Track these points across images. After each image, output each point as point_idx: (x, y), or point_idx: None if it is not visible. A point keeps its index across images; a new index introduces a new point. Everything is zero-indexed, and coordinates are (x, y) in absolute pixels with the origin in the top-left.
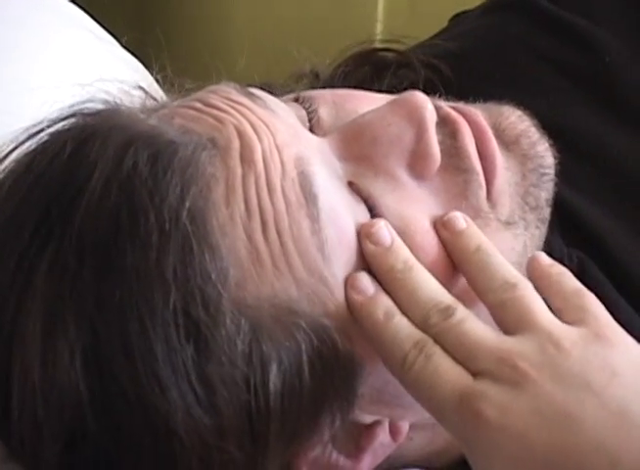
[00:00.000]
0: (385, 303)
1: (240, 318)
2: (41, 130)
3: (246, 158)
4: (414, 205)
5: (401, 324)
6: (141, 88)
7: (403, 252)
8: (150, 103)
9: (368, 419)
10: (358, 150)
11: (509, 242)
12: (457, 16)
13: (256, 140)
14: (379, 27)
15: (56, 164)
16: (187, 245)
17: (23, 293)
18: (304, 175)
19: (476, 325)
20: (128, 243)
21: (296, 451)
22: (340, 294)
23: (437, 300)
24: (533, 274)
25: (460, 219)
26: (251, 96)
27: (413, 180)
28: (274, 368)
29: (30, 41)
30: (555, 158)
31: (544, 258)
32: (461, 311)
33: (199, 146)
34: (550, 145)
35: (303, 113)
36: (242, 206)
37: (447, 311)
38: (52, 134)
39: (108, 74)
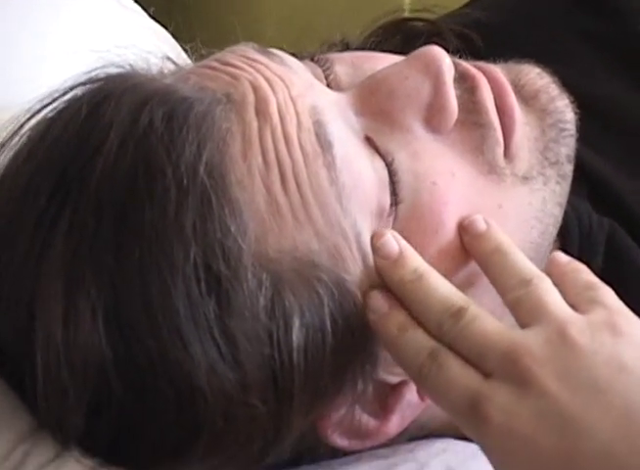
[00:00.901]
0: (397, 317)
1: (261, 272)
2: (56, 98)
3: (261, 111)
4: (430, 159)
5: (414, 336)
6: (169, 59)
7: (411, 261)
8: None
9: (394, 379)
10: (375, 104)
11: (525, 197)
12: None
13: (271, 93)
14: None
15: (71, 128)
16: (205, 200)
17: (43, 255)
18: (319, 124)
19: (487, 322)
20: (146, 200)
21: (320, 411)
22: (358, 249)
23: (449, 303)
24: (551, 272)
25: (480, 222)
26: (267, 54)
27: (429, 134)
28: (296, 322)
29: (52, 9)
30: (575, 114)
31: (562, 256)
32: (471, 311)
33: (214, 101)
34: (571, 102)
35: (319, 71)
36: (259, 158)
37: (459, 314)
38: (67, 100)
39: (135, 44)
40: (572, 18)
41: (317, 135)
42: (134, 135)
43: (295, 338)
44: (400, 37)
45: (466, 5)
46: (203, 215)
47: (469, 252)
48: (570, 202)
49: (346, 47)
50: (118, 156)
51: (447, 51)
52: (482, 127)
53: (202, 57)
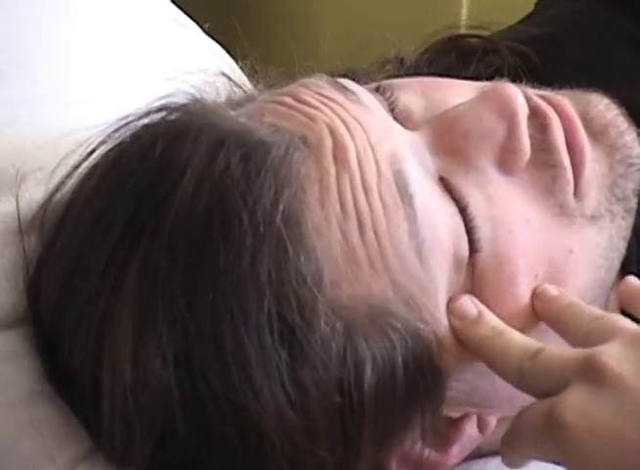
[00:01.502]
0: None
1: (335, 320)
2: (128, 124)
3: (339, 157)
4: (504, 203)
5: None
6: (225, 75)
7: (491, 319)
8: (236, 92)
9: (456, 414)
10: (450, 144)
11: (594, 237)
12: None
13: (349, 138)
14: (464, 13)
15: (147, 162)
16: (281, 248)
17: (114, 294)
18: (400, 174)
19: (562, 349)
20: (221, 245)
21: (386, 451)
22: (435, 300)
23: (528, 346)
24: (622, 297)
25: (551, 290)
26: (342, 90)
27: (501, 175)
28: (368, 369)
29: (112, 28)
30: None
31: (633, 280)
32: (550, 348)
33: (291, 146)
34: (638, 134)
35: (385, 103)
36: (337, 207)
37: (538, 352)
38: (140, 129)
39: (191, 62)
40: (628, 30)
41: (398, 186)
42: (210, 177)
43: (366, 385)
44: (455, 54)
45: (522, 21)
46: (278, 264)
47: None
48: None
49: (401, 63)
50: (194, 198)
51: (508, 76)
52: (554, 168)
53: (256, 73)
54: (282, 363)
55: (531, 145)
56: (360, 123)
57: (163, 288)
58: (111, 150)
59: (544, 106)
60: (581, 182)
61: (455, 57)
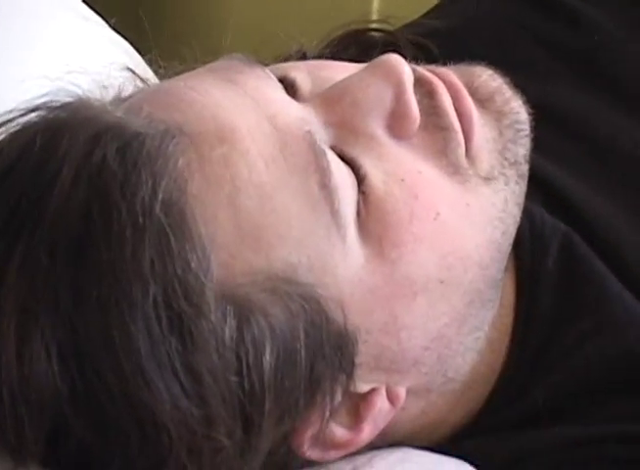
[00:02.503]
0: None
1: (225, 304)
2: (8, 121)
3: (226, 138)
4: (395, 161)
5: None
6: (129, 70)
7: None
8: (140, 86)
9: (365, 388)
10: (340, 114)
11: (489, 197)
12: None
13: (238, 116)
14: (374, 7)
15: (24, 159)
16: (163, 237)
17: None
18: (310, 134)
19: None
20: (102, 238)
21: (292, 429)
22: (338, 257)
23: None
24: None
25: None
26: (251, 66)
27: (393, 140)
28: (267, 346)
29: (11, 23)
30: (529, 114)
31: None
32: None
33: (166, 135)
34: (524, 102)
35: (275, 80)
36: (226, 188)
37: None
38: (19, 128)
39: (95, 56)
40: (531, 26)
41: (309, 144)
42: (87, 171)
43: (266, 362)
44: (356, 47)
45: (426, 14)
46: (161, 253)
47: None
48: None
49: (304, 57)
50: (72, 192)
51: (405, 59)
52: (444, 130)
53: (160, 68)
54: (172, 352)
55: (420, 110)
56: (257, 100)
57: (45, 282)
58: None
59: (429, 74)
60: (472, 145)
61: (356, 51)
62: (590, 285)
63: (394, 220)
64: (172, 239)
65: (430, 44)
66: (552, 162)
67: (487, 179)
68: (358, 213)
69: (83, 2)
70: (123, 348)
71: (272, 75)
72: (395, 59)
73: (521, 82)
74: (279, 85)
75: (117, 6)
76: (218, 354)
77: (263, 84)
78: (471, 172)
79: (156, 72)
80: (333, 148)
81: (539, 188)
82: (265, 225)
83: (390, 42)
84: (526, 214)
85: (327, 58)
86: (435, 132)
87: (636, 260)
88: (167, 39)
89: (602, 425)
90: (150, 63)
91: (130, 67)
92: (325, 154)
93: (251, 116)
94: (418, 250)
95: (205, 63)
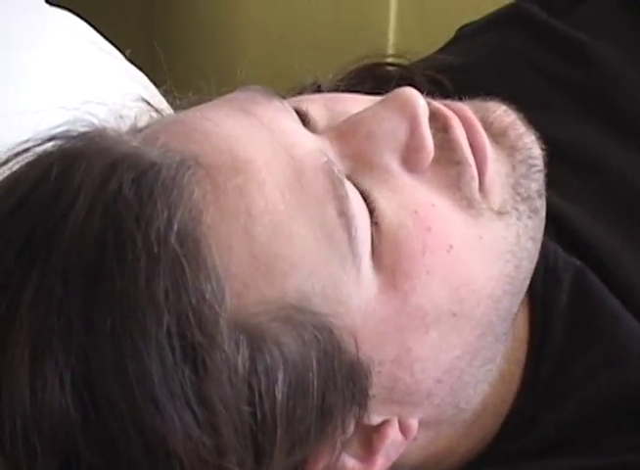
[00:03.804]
0: None
1: (238, 334)
2: (25, 151)
3: (241, 169)
4: (409, 193)
5: None
6: (144, 100)
7: None
8: (153, 116)
9: (378, 420)
10: (355, 146)
11: (501, 231)
12: (464, 26)
13: (253, 148)
14: (390, 40)
15: (40, 188)
16: (177, 267)
17: (9, 320)
18: (328, 163)
19: None
20: (116, 268)
21: (304, 460)
22: (352, 286)
23: None
24: None
25: None
26: (269, 99)
27: (407, 173)
28: (280, 376)
29: (28, 54)
30: (542, 149)
31: None
32: None
33: (181, 166)
34: (537, 138)
35: (294, 113)
36: (241, 218)
37: None
38: (36, 157)
39: (110, 87)
40: (545, 63)
41: (327, 173)
42: (103, 201)
43: (278, 392)
44: (372, 81)
45: (441, 49)
46: (175, 283)
47: None
48: None
49: (318, 90)
50: (87, 221)
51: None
52: (458, 165)
53: (175, 99)
54: (186, 381)
55: (435, 144)
56: (273, 131)
57: (59, 311)
58: (6, 178)
59: (444, 108)
60: (485, 179)
61: (372, 84)
62: (602, 318)
63: (408, 252)
64: (187, 269)
65: (444, 80)
66: (564, 198)
67: (500, 213)
68: (372, 243)
69: (98, 33)
70: (136, 377)
71: (289, 107)
72: (411, 92)
73: (533, 119)
74: (295, 117)
75: (132, 37)
76: (231, 384)
77: (280, 116)
78: (484, 206)
79: (170, 104)
80: (348, 178)
81: (552, 224)
82: (280, 255)
83: (406, 76)
84: (544, 251)
85: (342, 91)
86: (449, 166)
87: None
88: (182, 71)
89: (611, 457)
90: (165, 94)
91: (145, 98)
92: (343, 183)
93: (267, 146)
94: (430, 282)
95: (220, 94)
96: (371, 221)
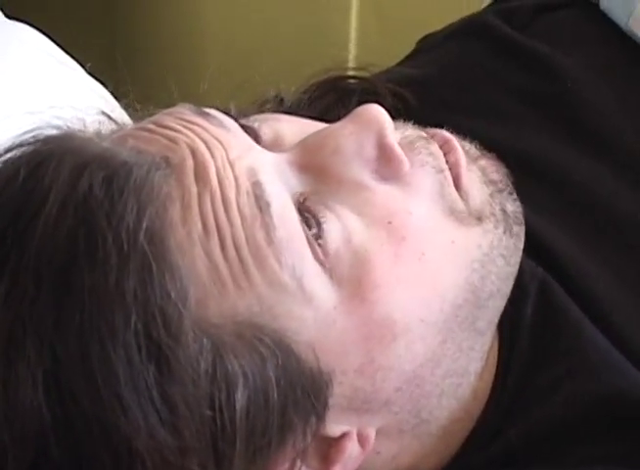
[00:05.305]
0: None
1: (202, 337)
2: None
3: (200, 176)
4: (381, 202)
5: None
6: (104, 114)
7: None
8: (110, 128)
9: (337, 431)
10: (321, 161)
11: (477, 238)
12: (425, 38)
13: (210, 157)
14: (351, 53)
15: (9, 190)
16: (146, 265)
17: None
18: (257, 185)
19: None
20: (87, 265)
21: (263, 468)
22: (301, 304)
23: None
24: None
25: None
26: (204, 115)
27: (381, 183)
28: (240, 386)
29: None
30: (507, 176)
31: None
32: None
33: (153, 166)
34: (507, 168)
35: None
36: (199, 224)
37: None
38: (3, 161)
39: (70, 100)
40: (506, 75)
41: (255, 197)
42: (74, 200)
43: (237, 402)
44: (334, 94)
45: (402, 61)
46: (143, 282)
47: None
48: None
49: (280, 103)
50: (58, 220)
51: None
52: (439, 173)
53: (136, 112)
54: (150, 380)
55: (420, 148)
56: (221, 142)
57: (31, 311)
58: None
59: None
60: (462, 183)
61: (334, 97)
62: (565, 330)
63: (378, 263)
64: (154, 267)
65: (405, 93)
66: (528, 208)
67: (479, 219)
68: (326, 257)
69: (58, 46)
70: (102, 375)
71: (228, 121)
72: (376, 108)
73: (494, 131)
74: (239, 131)
75: (94, 50)
76: (194, 386)
77: (222, 130)
78: (465, 214)
79: (131, 116)
80: (303, 195)
81: None
82: (227, 273)
83: (369, 90)
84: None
85: (305, 104)
86: (432, 173)
87: (611, 306)
88: (144, 83)
89: (575, 468)
90: (125, 107)
91: (105, 111)
92: (269, 206)
93: (218, 157)
94: (400, 290)
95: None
96: (317, 239)
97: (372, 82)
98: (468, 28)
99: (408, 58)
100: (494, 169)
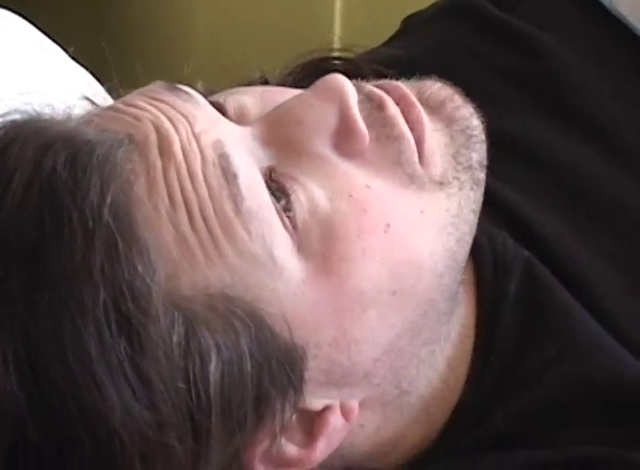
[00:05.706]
0: None
1: (173, 311)
2: None
3: (164, 150)
4: (343, 178)
5: None
6: (87, 99)
7: None
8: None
9: (318, 405)
10: (284, 133)
11: (443, 202)
12: (409, 17)
13: (174, 132)
14: (336, 34)
15: None
16: (112, 241)
17: None
18: (223, 157)
19: None
20: (54, 244)
21: (242, 444)
22: (272, 275)
23: None
24: None
25: None
26: (174, 91)
27: (341, 158)
28: (213, 358)
29: None
30: (482, 122)
31: None
32: None
33: (115, 143)
34: (476, 109)
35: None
36: (165, 198)
37: None
38: None
39: (54, 84)
40: (491, 55)
41: (222, 168)
42: (38, 180)
43: (211, 374)
44: (318, 75)
45: (387, 42)
46: (110, 257)
47: None
48: (485, 230)
49: (265, 84)
50: (24, 201)
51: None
52: (397, 141)
53: (119, 97)
54: (122, 355)
55: (373, 123)
56: (186, 117)
57: (0, 291)
58: None
59: (376, 90)
60: (424, 149)
61: (317, 78)
62: (554, 311)
63: (342, 236)
64: (120, 242)
65: (390, 73)
66: (514, 190)
67: (441, 184)
68: (295, 229)
69: (42, 32)
70: (74, 352)
71: (197, 96)
72: (338, 78)
73: (481, 112)
74: (208, 105)
75: (79, 35)
76: (167, 359)
77: (190, 105)
78: (425, 179)
79: (115, 100)
80: (271, 168)
81: (501, 214)
82: (196, 245)
83: (352, 71)
84: (489, 237)
85: (289, 85)
86: (389, 144)
87: (602, 291)
88: (129, 67)
89: (563, 449)
90: (109, 91)
91: (89, 96)
92: (237, 177)
93: (183, 131)
94: (368, 263)
95: None
96: (286, 210)
97: (356, 63)
98: (453, 8)
99: (393, 38)
100: (460, 110)
